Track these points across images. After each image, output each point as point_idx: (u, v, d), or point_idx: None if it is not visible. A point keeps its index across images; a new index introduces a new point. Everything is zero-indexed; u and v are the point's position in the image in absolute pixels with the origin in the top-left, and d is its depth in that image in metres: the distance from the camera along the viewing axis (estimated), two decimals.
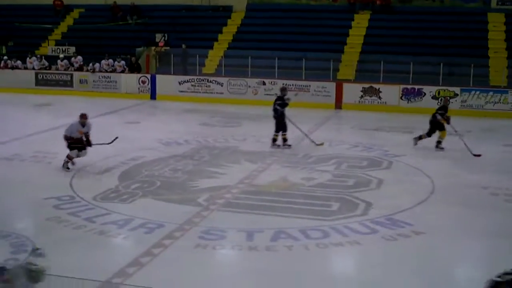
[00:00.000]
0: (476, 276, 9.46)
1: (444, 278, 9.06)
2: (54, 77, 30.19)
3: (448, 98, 19.05)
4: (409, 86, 26.00)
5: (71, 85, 29.78)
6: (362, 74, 27.68)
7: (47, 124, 20.78)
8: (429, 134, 17.91)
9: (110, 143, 15.60)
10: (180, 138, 18.62)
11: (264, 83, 27.21)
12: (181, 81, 28.52)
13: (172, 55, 30.22)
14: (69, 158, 14.70)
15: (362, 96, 26.22)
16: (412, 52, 27.81)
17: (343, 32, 30.69)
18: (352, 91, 26.42)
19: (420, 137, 17.97)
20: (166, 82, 28.84)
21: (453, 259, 9.97)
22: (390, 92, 26.03)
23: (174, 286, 8.47)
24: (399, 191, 13.58)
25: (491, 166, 16.03)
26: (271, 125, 17.58)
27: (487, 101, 25.30)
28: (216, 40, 31.51)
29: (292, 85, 26.34)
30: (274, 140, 17.92)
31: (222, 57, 29.87)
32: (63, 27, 34.84)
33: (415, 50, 28.15)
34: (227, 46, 31.04)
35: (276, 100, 18.18)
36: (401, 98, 25.91)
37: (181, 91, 28.39)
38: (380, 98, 26.04)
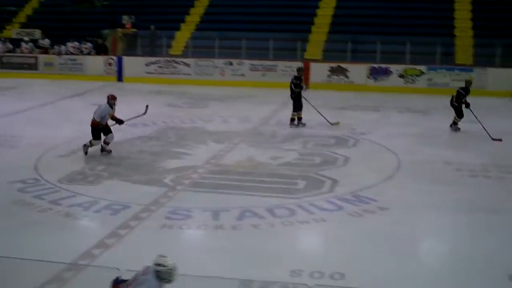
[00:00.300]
0: (440, 250, 9.61)
1: (408, 252, 9.14)
2: (19, 60, 29.82)
3: (471, 80, 18.60)
4: (376, 65, 26.11)
5: (36, 68, 29.43)
6: (330, 54, 27.69)
7: (12, 108, 20.53)
8: (459, 116, 17.66)
9: (145, 113, 15.43)
10: (147, 120, 18.47)
11: (231, 64, 27.16)
12: (148, 62, 28.36)
13: (139, 37, 30.03)
14: (91, 144, 14.38)
15: (329, 76, 26.30)
16: (379, 32, 27.89)
17: (310, 12, 30.66)
18: (320, 71, 26.48)
19: (455, 122, 17.73)
20: (132, 64, 28.66)
21: (417, 234, 10.04)
22: (358, 71, 26.16)
23: (140, 267, 8.39)
24: (365, 168, 13.68)
25: (455, 143, 16.32)
26: (238, 105, 17.62)
27: (453, 79, 25.49)
28: (183, 21, 31.31)
29: (260, 65, 26.43)
30: (292, 119, 18.12)
31: (189, 38, 29.72)
32: (28, 10, 34.37)
33: (383, 29, 28.23)
34: (195, 27, 30.87)
35: (292, 79, 18.39)
36: (368, 77, 26.03)
37: (148, 73, 28.25)
38: (347, 77, 26.15)
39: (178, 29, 30.66)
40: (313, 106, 18.32)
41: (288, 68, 26.54)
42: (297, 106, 18.09)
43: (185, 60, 28.00)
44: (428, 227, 10.38)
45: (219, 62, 27.42)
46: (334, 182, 12.48)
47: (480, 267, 8.58)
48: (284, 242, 9.57)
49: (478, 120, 16.99)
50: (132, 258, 8.64)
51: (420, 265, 8.77)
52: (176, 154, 14.69)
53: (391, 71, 25.89)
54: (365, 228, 10.19)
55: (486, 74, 25.54)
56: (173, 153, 14.77)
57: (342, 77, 26.16)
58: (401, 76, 25.66)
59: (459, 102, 17.45)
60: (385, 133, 17.26)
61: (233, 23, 29.90)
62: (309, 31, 29.36)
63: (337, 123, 18.17)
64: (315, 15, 30.54)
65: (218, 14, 31.27)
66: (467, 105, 17.40)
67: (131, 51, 29.92)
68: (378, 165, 14.00)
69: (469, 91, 17.74)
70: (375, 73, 25.92)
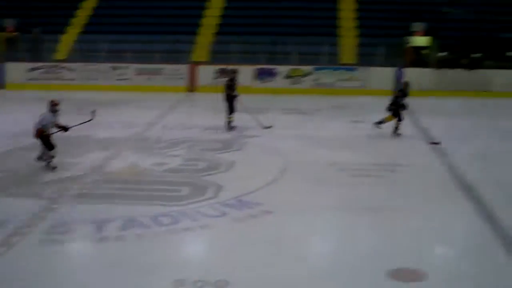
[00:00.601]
0: (324, 251, 9.76)
1: (293, 255, 9.19)
2: None
3: (408, 82, 18.18)
4: (263, 67, 26.33)
5: None
6: (217, 56, 27.76)
7: None
8: (399, 119, 17.50)
9: (92, 119, 14.67)
10: (29, 129, 17.91)
11: (116, 68, 26.79)
12: (31, 68, 27.58)
13: (22, 41, 29.19)
14: (51, 157, 13.66)
15: (216, 78, 26.32)
16: (266, 33, 28.18)
17: (197, 13, 30.63)
18: (207, 73, 26.50)
19: (397, 128, 17.55)
20: (15, 70, 27.83)
21: (302, 236, 10.09)
22: (244, 73, 26.20)
23: (20, 287, 8.17)
24: (251, 172, 13.74)
25: (339, 143, 16.61)
26: (123, 110, 17.26)
27: (338, 79, 26.08)
28: (68, 24, 30.66)
29: (146, 69, 26.23)
30: (229, 123, 18.14)
31: (74, 42, 29.12)
32: None
33: (269, 30, 28.52)
34: (80, 30, 30.28)
35: (226, 81, 18.64)
36: (255, 78, 26.21)
37: (31, 79, 27.48)
38: None
39: (63, 32, 29.96)
40: (247, 111, 18.47)
41: (175, 71, 26.49)
42: (229, 109, 18.25)
43: (70, 65, 27.40)
44: (312, 228, 10.49)
45: (105, 66, 27.00)
46: (219, 187, 12.45)
47: (361, 265, 8.76)
48: (168, 251, 9.47)
49: (416, 123, 17.19)
50: (12, 278, 8.38)
51: (305, 268, 8.83)
52: (59, 164, 14.27)
53: (277, 72, 26.18)
54: (249, 233, 10.20)
55: (369, 73, 26.22)
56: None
57: None
58: (288, 77, 25.98)
59: (396, 105, 17.35)
60: (272, 135, 17.45)
61: (120, 26, 29.57)
62: (196, 33, 29.31)
63: (269, 127, 18.28)
64: (202, 16, 30.52)
65: (104, 17, 30.85)
66: (405, 107, 17.36)
67: (13, 56, 29.01)
68: (264, 168, 14.10)
69: (407, 93, 17.60)
70: (262, 75, 26.14)
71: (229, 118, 18.40)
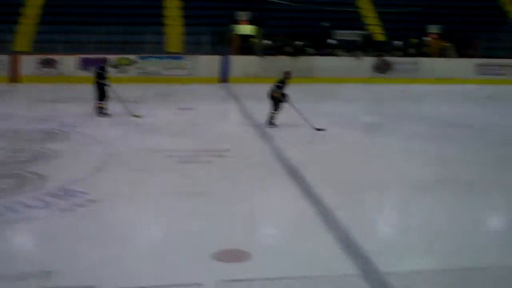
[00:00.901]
0: (149, 235, 9.81)
1: (119, 243, 9.20)
2: None
3: (289, 71, 17.76)
4: (87, 56, 25.89)
5: None
6: (40, 46, 27.01)
7: None
8: (275, 109, 17.28)
9: None
10: None
11: None
12: None
13: None
14: None
15: (39, 68, 25.66)
16: (91, 22, 27.76)
17: (18, 2, 29.61)
18: (29, 63, 25.74)
19: (272, 117, 17.32)
20: None
21: (128, 223, 10.10)
22: (68, 62, 25.84)
23: None
24: (76, 162, 13.54)
25: (166, 130, 16.74)
26: None
27: (164, 67, 26.19)
28: None
29: None
30: (100, 108, 18.23)
31: None
32: None
33: (94, 19, 28.12)
34: None
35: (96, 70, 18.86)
36: (79, 68, 25.79)
37: None
38: (57, 68, 25.70)
39: None
40: (117, 97, 18.48)
41: None
42: (100, 96, 18.47)
43: None
44: (138, 215, 10.50)
45: None
46: (43, 178, 12.16)
47: (186, 248, 8.92)
48: None
49: (297, 111, 17.25)
50: None
51: (130, 254, 8.86)
52: None
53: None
54: (75, 222, 10.07)
55: (196, 61, 26.53)
56: None
57: (52, 69, 25.67)
58: (114, 66, 25.72)
59: (278, 95, 17.18)
60: (96, 124, 17.34)
61: None
62: (17, 22, 28.35)
63: (139, 116, 18.09)
64: (23, 5, 29.53)
65: None
66: (284, 96, 17.26)
67: None
68: (89, 157, 13.97)
69: (285, 82, 17.44)
70: (87, 64, 25.68)
71: (100, 104, 18.44)
